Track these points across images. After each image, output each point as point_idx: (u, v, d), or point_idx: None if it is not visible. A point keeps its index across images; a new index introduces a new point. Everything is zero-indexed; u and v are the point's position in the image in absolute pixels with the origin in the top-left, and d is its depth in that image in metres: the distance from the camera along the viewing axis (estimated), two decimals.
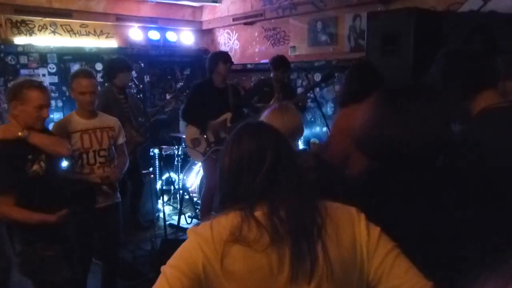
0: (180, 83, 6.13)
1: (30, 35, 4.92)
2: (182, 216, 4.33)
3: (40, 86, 2.14)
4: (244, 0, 5.39)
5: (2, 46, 4.69)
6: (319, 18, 4.63)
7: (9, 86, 2.26)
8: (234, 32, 5.90)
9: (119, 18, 5.41)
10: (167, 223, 3.96)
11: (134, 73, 5.49)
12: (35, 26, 4.95)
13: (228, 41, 6.03)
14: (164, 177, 4.99)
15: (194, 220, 4.61)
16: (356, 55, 4.12)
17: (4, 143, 2.06)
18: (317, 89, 4.59)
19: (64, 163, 2.62)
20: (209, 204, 3.98)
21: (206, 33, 6.36)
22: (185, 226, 4.45)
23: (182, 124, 4.36)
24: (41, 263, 2.15)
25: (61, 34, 5.15)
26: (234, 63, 4.17)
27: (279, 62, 4.14)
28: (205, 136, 3.94)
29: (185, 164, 5.09)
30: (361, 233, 0.99)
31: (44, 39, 5.01)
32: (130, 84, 4.86)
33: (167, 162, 4.79)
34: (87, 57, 5.27)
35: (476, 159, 1.29)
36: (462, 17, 3.18)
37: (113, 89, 3.81)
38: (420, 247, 1.03)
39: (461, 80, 1.43)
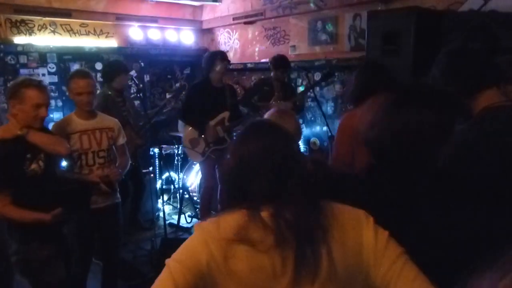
0: (180, 83, 6.12)
1: (30, 34, 4.91)
2: (182, 216, 4.32)
3: (38, 85, 2.14)
4: None
5: (2, 46, 4.67)
6: (319, 17, 4.63)
7: (8, 86, 2.26)
8: (234, 31, 5.89)
9: (119, 17, 5.40)
10: (167, 222, 3.95)
11: (134, 73, 5.50)
12: (34, 26, 4.93)
13: (228, 40, 6.02)
14: (164, 177, 4.99)
15: (194, 220, 4.61)
16: (356, 55, 4.11)
17: (3, 142, 2.06)
18: (317, 88, 4.58)
19: (64, 164, 2.62)
20: (208, 203, 3.99)
21: (206, 33, 6.34)
22: (185, 225, 4.45)
23: (180, 124, 4.36)
24: (36, 263, 2.14)
25: (60, 34, 5.14)
26: (234, 62, 4.17)
27: (279, 61, 4.13)
28: (203, 136, 3.94)
29: (185, 163, 5.09)
30: (369, 237, 0.96)
31: (44, 38, 5.00)
32: (130, 83, 4.87)
33: (167, 162, 4.79)
34: (87, 57, 5.25)
35: (477, 158, 1.29)
36: (462, 16, 3.18)
37: (111, 92, 3.81)
38: (420, 247, 1.02)
39: (462, 79, 1.42)
